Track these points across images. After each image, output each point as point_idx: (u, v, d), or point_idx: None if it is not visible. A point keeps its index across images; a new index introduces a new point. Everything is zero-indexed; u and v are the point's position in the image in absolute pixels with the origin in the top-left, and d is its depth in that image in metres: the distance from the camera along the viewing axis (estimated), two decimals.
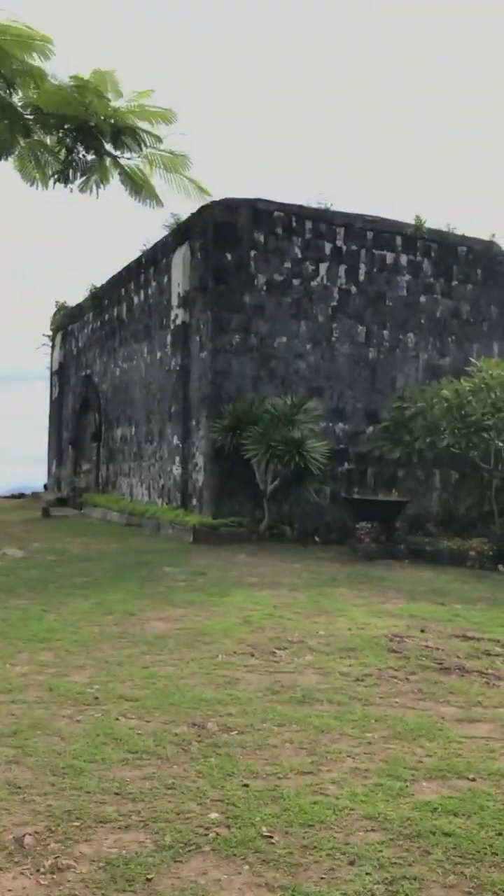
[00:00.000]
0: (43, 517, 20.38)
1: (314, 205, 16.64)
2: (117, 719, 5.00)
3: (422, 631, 7.63)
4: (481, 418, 12.90)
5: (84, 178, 14.46)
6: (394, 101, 61.42)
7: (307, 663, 6.43)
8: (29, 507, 23.91)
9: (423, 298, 17.69)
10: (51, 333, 28.93)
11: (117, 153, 14.00)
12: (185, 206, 19.82)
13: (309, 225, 16.47)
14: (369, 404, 16.96)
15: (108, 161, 14.21)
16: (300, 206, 16.41)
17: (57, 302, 28.39)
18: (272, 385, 15.88)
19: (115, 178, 14.51)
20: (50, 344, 28.98)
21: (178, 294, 16.87)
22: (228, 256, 15.64)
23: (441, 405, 13.59)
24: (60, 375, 27.57)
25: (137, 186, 14.17)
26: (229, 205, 15.73)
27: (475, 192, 59.37)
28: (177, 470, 16.78)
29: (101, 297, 23.17)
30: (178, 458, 16.76)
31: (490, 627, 7.99)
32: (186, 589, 9.76)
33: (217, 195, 15.79)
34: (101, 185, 14.39)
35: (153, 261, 19.05)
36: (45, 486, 28.82)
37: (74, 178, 14.31)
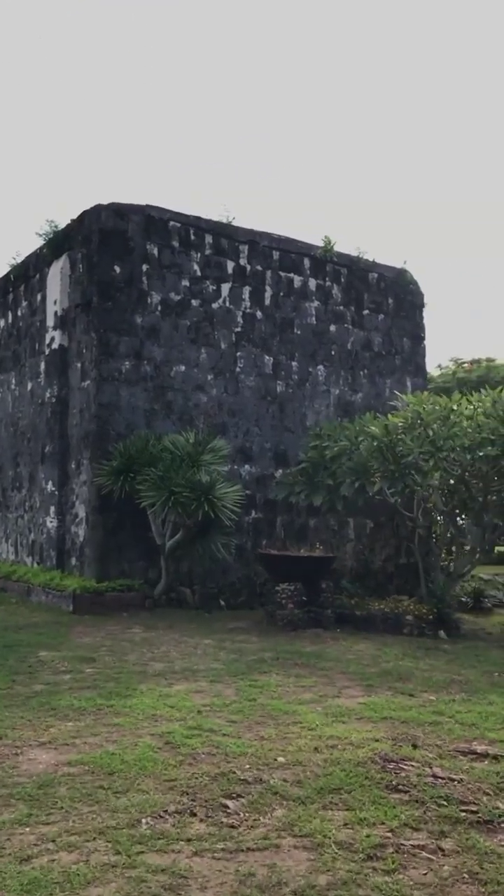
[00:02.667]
0: None
1: (215, 217, 14.86)
2: None
3: (414, 747, 5.63)
4: (419, 458, 11.28)
5: None
6: (307, 121, 60.98)
7: (280, 825, 4.27)
8: None
9: (332, 327, 16.19)
10: None
11: None
12: (65, 212, 17.53)
13: (209, 239, 14.64)
14: (278, 444, 15.12)
15: None
16: (199, 218, 14.58)
17: None
18: (168, 421, 13.75)
19: None
20: None
21: (55, 313, 14.52)
22: (117, 269, 13.51)
23: (368, 444, 11.90)
24: None
25: None
26: (118, 210, 13.67)
27: (384, 217, 59.55)
28: (52, 522, 14.21)
29: None
30: (53, 509, 14.21)
31: (493, 731, 6.10)
32: (74, 686, 7.35)
33: (103, 200, 13.74)
34: None
35: (24, 276, 16.61)
36: None
37: None
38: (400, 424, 11.73)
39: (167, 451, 11.99)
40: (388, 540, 16.40)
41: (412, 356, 17.58)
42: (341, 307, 16.40)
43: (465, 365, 30.19)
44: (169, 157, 61.25)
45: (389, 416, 12.31)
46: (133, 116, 61.97)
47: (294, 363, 15.55)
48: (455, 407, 11.67)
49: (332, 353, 16.14)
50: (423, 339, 17.83)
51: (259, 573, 14.57)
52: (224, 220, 14.93)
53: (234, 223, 15.02)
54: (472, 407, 11.81)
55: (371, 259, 17.01)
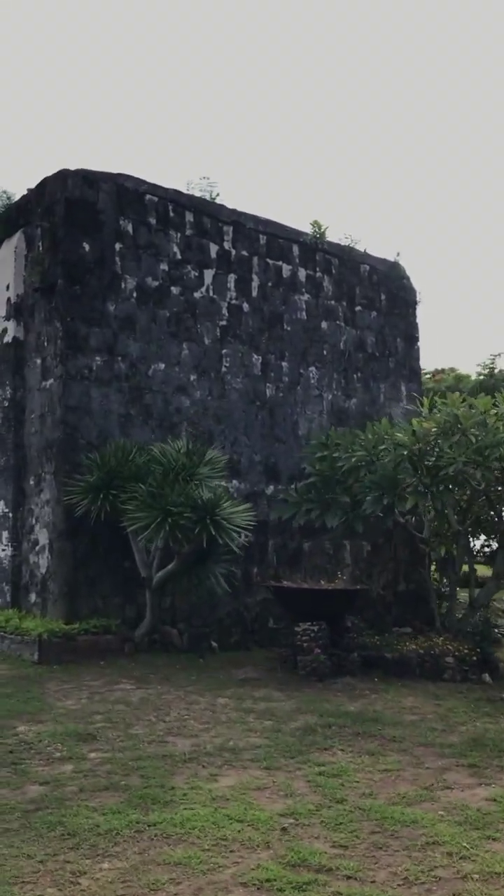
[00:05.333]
0: None
1: (197, 193, 13.03)
2: None
3: None
4: (463, 469, 9.65)
5: None
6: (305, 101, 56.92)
7: None
8: None
9: (324, 324, 14.53)
10: None
11: None
12: (20, 182, 15.34)
13: (190, 217, 12.79)
14: (268, 456, 13.30)
15: None
16: (178, 192, 12.71)
17: None
18: (146, 428, 11.77)
19: None
20: None
21: (8, 300, 12.38)
22: (86, 247, 11.51)
23: (396, 452, 10.21)
24: None
25: None
26: (87, 176, 11.68)
27: (375, 204, 56.03)
28: (4, 551, 11.99)
29: None
30: (5, 535, 11.99)
31: None
32: (84, 786, 5.34)
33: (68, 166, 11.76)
34: None
35: None
36: None
37: None
38: (434, 430, 10.08)
39: (156, 462, 10.01)
40: (387, 564, 14.76)
41: (406, 359, 16.07)
42: (333, 302, 14.77)
43: (432, 375, 29.08)
44: (143, 125, 56.11)
45: (415, 420, 10.66)
46: (102, 77, 57.36)
47: (284, 363, 13.80)
48: (494, 410, 10.10)
49: (325, 352, 14.46)
50: (418, 339, 16.37)
51: (250, 607, 12.69)
52: (207, 197, 13.12)
53: (218, 200, 13.23)
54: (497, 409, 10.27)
55: (363, 250, 15.47)
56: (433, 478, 9.95)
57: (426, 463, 10.14)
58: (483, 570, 15.08)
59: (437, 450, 10.07)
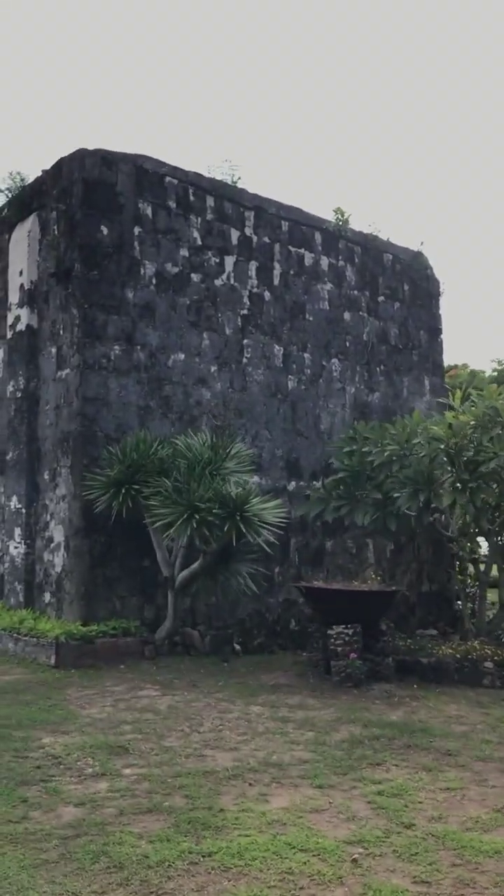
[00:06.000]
0: None
1: (218, 176, 12.55)
2: None
3: None
4: (491, 447, 9.17)
5: None
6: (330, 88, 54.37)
7: None
8: None
9: (347, 315, 14.06)
10: None
11: None
12: (33, 164, 14.88)
13: (211, 202, 12.31)
14: (290, 451, 12.83)
15: None
16: (199, 175, 12.23)
17: None
18: (166, 421, 11.29)
19: None
20: None
21: (21, 287, 11.90)
22: (104, 230, 11.03)
23: (432, 447, 9.74)
24: None
25: None
26: (106, 157, 11.20)
27: (398, 191, 53.82)
28: (17, 548, 11.52)
29: None
30: (18, 531, 11.52)
31: None
32: (124, 808, 4.88)
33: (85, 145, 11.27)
34: None
35: None
36: None
37: None
38: (472, 423, 9.61)
39: (181, 455, 9.53)
40: (410, 564, 14.29)
41: (429, 352, 15.60)
42: (356, 292, 14.29)
43: (446, 372, 28.61)
44: (160, 106, 54.43)
45: (449, 413, 10.18)
46: (119, 58, 56.03)
47: (306, 355, 13.32)
48: None
49: (347, 344, 13.98)
50: (441, 332, 15.91)
51: (272, 608, 12.24)
52: (228, 181, 12.64)
53: (239, 185, 12.74)
54: None
55: (386, 238, 14.99)
56: (471, 473, 9.47)
57: (463, 458, 9.66)
58: None
59: (473, 444, 9.59)
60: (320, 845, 4.32)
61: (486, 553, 12.92)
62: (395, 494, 10.07)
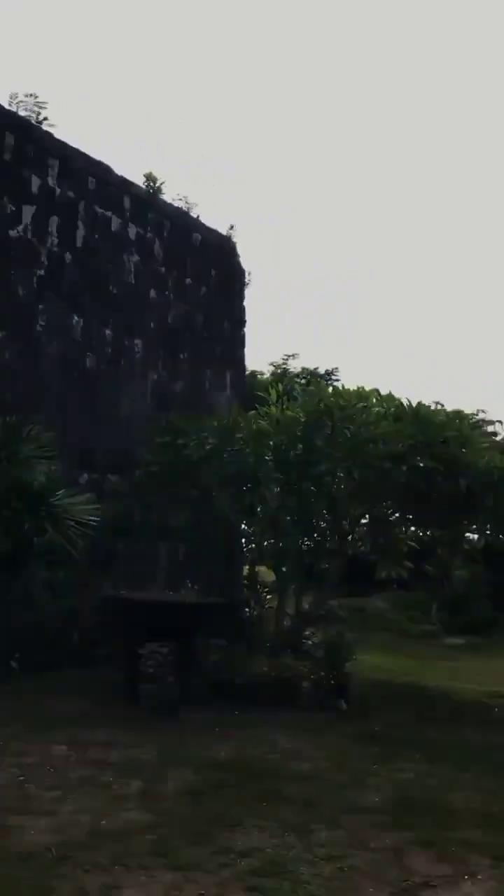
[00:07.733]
0: None
1: (22, 112, 10.81)
2: None
3: None
4: (338, 468, 8.51)
5: None
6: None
7: None
8: None
9: (153, 293, 12.87)
10: None
11: None
12: None
13: (10, 140, 10.54)
14: (85, 438, 11.36)
15: None
16: None
17: None
18: None
19: None
20: None
21: None
22: None
23: (255, 443, 8.87)
24: None
25: None
26: None
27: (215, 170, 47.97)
28: None
29: None
30: None
31: None
32: None
33: None
34: None
35: None
36: None
37: None
38: (302, 420, 8.86)
39: None
40: (201, 567, 13.36)
41: (232, 345, 14.84)
42: (163, 268, 13.13)
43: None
44: None
45: (272, 407, 9.35)
46: None
47: (108, 331, 11.91)
48: (367, 404, 9.08)
49: (152, 325, 12.78)
50: (244, 324, 15.22)
51: (51, 618, 10.64)
52: (32, 119, 10.94)
53: (46, 126, 11.09)
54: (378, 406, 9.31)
55: (197, 216, 14.01)
56: (302, 474, 8.72)
57: (290, 456, 8.89)
58: None
59: (304, 443, 8.85)
60: None
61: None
62: (215, 493, 9.06)
